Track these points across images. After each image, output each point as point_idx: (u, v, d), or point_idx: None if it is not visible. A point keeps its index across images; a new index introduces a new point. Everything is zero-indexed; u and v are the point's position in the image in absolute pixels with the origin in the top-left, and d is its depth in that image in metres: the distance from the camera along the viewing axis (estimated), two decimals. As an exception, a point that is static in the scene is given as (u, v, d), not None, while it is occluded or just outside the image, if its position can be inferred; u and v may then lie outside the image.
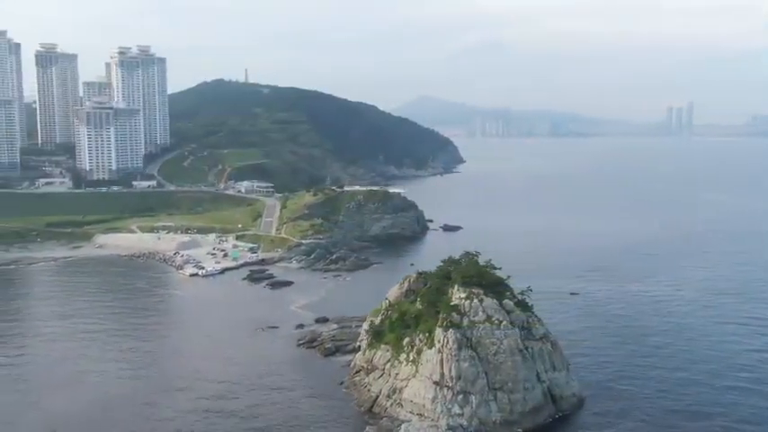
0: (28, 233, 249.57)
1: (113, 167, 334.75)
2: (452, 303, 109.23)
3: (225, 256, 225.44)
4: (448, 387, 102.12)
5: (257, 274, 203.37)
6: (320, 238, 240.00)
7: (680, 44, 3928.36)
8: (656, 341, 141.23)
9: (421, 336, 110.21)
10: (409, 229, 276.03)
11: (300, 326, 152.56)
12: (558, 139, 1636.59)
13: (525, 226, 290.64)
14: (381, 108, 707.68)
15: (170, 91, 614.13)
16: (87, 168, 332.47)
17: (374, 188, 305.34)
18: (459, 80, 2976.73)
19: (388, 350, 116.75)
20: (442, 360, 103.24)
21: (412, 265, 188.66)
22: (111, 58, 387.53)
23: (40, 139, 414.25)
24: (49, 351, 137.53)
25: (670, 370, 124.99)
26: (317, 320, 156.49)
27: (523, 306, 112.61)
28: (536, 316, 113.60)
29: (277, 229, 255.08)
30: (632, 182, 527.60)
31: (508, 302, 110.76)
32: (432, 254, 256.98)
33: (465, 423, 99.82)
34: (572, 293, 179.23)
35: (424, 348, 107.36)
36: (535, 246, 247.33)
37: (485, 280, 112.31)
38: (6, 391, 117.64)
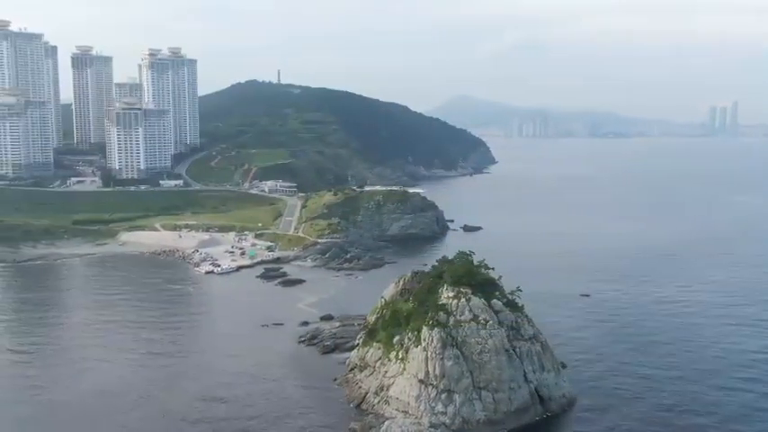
0: (56, 230, 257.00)
1: (142, 167, 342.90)
2: (440, 303, 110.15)
3: (242, 254, 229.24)
4: (432, 385, 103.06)
5: (271, 272, 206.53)
6: (336, 238, 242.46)
7: (723, 42, 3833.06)
8: (658, 344, 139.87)
9: (410, 334, 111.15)
10: (428, 230, 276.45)
11: (305, 323, 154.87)
12: (597, 140, 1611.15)
13: (548, 227, 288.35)
14: (418, 108, 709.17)
15: (206, 92, 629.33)
16: (117, 168, 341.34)
17: (394, 188, 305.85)
18: (497, 80, 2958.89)
19: (379, 348, 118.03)
20: (427, 358, 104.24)
21: (425, 265, 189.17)
22: (142, 59, 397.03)
23: (75, 139, 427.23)
24: (62, 338, 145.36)
25: (668, 373, 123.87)
26: (322, 318, 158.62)
27: (513, 306, 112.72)
28: (526, 316, 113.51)
29: (295, 228, 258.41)
30: (667, 183, 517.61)
31: (497, 302, 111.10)
32: (448, 254, 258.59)
33: (448, 421, 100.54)
34: (582, 295, 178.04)
35: (412, 347, 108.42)
36: (554, 247, 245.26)
37: (474, 280, 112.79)
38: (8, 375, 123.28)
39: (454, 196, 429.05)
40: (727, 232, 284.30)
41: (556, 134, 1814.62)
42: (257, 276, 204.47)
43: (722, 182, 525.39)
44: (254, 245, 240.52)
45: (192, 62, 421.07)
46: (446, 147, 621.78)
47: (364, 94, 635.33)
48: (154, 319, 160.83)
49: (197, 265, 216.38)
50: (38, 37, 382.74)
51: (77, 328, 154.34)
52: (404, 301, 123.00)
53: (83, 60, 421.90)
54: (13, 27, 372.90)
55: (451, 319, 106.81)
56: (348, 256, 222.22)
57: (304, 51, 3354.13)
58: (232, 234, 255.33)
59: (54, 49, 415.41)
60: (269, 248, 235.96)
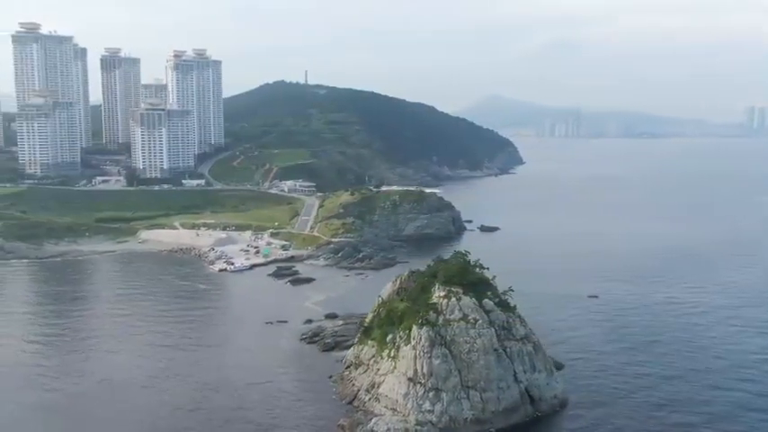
0: (78, 228, 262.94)
1: (165, 166, 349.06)
2: (431, 302, 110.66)
3: (257, 252, 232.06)
4: (420, 384, 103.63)
5: (283, 271, 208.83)
6: (350, 237, 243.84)
7: (761, 41, 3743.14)
8: (661, 346, 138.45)
9: (402, 333, 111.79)
10: (443, 230, 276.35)
11: (309, 321, 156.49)
12: (630, 140, 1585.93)
13: (568, 228, 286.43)
14: (450, 109, 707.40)
15: (235, 92, 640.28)
16: (141, 167, 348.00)
17: (410, 188, 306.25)
18: (529, 80, 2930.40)
19: (373, 346, 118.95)
20: (415, 357, 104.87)
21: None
22: (167, 61, 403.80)
23: (104, 139, 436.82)
24: (74, 330, 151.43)
25: (666, 376, 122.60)
26: (327, 316, 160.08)
27: (504, 306, 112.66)
28: (518, 316, 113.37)
29: (311, 228, 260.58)
30: (698, 184, 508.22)
31: (488, 302, 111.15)
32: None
33: (435, 419, 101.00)
34: (590, 296, 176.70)
35: (402, 345, 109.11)
36: (571, 248, 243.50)
37: (466, 279, 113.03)
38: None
39: (476, 196, 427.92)
40: (753, 233, 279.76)
41: (588, 134, 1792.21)
42: (269, 275, 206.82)
43: (755, 183, 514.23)
44: (269, 244, 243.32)
45: (217, 63, 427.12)
46: (472, 147, 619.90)
47: (395, 95, 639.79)
48: (164, 313, 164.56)
49: (212, 263, 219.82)
50: (67, 39, 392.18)
51: (89, 321, 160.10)
52: (399, 300, 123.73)
53: (111, 62, 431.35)
54: (43, 30, 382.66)
55: (441, 318, 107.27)
56: (360, 255, 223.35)
57: (335, 52, 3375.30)
58: (248, 233, 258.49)
59: (84, 51, 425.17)
60: (283, 247, 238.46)
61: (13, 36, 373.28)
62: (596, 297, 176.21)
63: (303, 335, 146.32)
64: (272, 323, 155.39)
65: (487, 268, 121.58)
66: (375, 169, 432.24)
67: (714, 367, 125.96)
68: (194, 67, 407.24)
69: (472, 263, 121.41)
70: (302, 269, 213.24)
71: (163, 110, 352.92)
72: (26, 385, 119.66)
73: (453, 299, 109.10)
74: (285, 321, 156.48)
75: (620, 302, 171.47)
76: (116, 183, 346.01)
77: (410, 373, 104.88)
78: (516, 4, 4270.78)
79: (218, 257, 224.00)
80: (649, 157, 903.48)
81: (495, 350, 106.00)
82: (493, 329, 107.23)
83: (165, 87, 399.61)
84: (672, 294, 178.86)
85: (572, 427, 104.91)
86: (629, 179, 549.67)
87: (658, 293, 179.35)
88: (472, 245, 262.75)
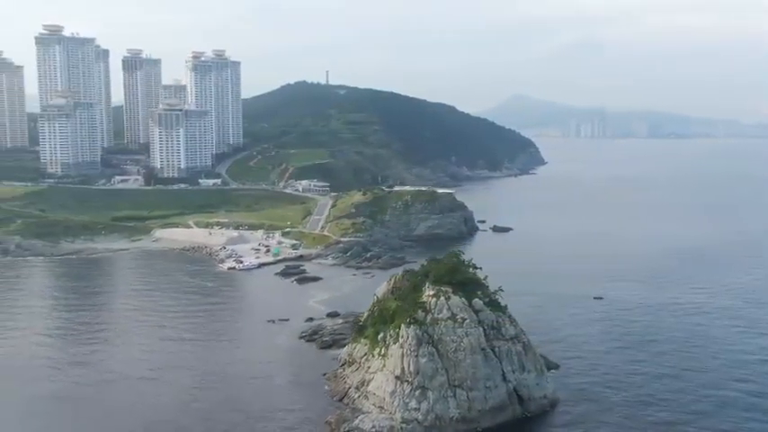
0: (94, 226, 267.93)
1: (182, 166, 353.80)
2: (421, 301, 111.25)
3: (267, 251, 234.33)
4: (407, 382, 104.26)
5: (290, 270, 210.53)
6: (359, 237, 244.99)
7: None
8: (658, 346, 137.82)
9: (392, 331, 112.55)
10: (455, 230, 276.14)
11: (310, 319, 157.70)
12: (658, 141, 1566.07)
13: (583, 229, 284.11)
14: (474, 109, 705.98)
15: (258, 93, 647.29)
16: (158, 167, 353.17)
17: (422, 188, 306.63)
18: (554, 80, 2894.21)
19: (366, 344, 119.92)
20: (402, 355, 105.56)
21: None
22: (186, 62, 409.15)
23: (125, 138, 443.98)
24: (78, 324, 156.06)
25: (659, 375, 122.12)
26: (329, 315, 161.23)
27: (494, 306, 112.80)
28: (508, 316, 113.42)
29: (322, 227, 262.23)
30: (723, 185, 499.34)
31: (478, 302, 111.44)
32: (471, 255, 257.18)
33: (420, 417, 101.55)
34: (596, 297, 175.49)
35: (391, 343, 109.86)
36: (583, 249, 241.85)
37: (456, 279, 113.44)
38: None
39: (493, 197, 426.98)
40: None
41: (614, 135, 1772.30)
42: (276, 273, 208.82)
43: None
44: (279, 243, 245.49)
45: (236, 64, 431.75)
46: (492, 147, 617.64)
47: (417, 96, 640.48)
48: (168, 309, 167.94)
49: (221, 261, 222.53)
50: (89, 41, 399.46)
51: (96, 315, 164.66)
52: (392, 300, 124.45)
53: (133, 63, 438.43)
54: (66, 32, 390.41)
55: (429, 317, 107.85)
56: (368, 255, 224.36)
57: (358, 52, 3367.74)
58: (260, 232, 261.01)
59: (106, 52, 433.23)
60: (293, 246, 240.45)
61: (36, 38, 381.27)
62: (601, 298, 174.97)
63: (303, 333, 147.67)
64: (273, 321, 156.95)
65: (480, 268, 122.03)
66: (392, 169, 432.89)
67: (709, 367, 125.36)
68: (213, 67, 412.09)
69: (465, 263, 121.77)
70: (310, 268, 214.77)
71: (180, 110, 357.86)
72: (36, 376, 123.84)
73: (442, 298, 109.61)
74: (287, 319, 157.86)
75: (624, 303, 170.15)
76: (134, 182, 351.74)
77: (398, 372, 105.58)
78: (538, 4, 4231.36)
79: (229, 256, 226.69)
80: (676, 158, 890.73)
81: (483, 349, 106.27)
82: (481, 329, 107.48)
83: (184, 88, 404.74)
84: (677, 295, 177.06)
85: (560, 427, 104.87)
86: (652, 180, 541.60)
87: (664, 295, 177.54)
88: (482, 245, 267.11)
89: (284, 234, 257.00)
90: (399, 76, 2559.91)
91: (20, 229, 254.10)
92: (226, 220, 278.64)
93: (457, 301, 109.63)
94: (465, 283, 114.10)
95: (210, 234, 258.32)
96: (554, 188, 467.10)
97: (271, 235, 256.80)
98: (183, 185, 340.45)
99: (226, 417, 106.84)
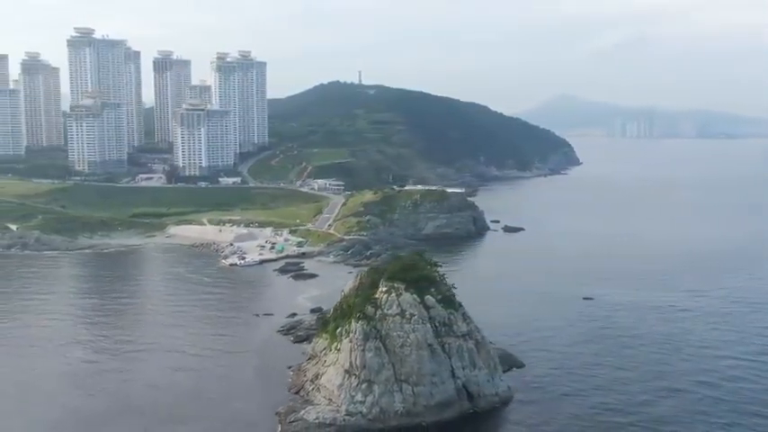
0: (112, 222, 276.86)
1: (203, 164, 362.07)
2: (374, 297, 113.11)
3: (272, 248, 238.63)
4: (354, 375, 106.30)
5: (290, 267, 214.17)
6: (363, 235, 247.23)
7: None
8: (632, 349, 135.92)
9: (347, 326, 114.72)
10: (463, 229, 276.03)
11: (293, 314, 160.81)
12: (706, 141, 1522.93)
13: (600, 230, 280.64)
14: (516, 109, 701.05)
15: (292, 92, 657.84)
16: (181, 165, 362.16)
17: (432, 188, 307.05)
18: (600, 79, 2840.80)
19: (326, 339, 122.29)
20: (350, 349, 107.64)
21: (438, 264, 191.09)
22: (211, 63, 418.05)
23: (156, 138, 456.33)
24: (66, 316, 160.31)
25: (623, 378, 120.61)
26: (312, 310, 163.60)
27: (447, 303, 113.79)
28: (461, 313, 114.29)
29: (329, 226, 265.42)
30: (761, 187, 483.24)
31: (430, 299, 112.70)
32: (476, 253, 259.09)
33: (365, 410, 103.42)
34: (585, 298, 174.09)
35: (344, 338, 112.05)
36: (592, 250, 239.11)
37: (410, 276, 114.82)
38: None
39: (516, 197, 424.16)
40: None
41: (661, 135, 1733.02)
42: (275, 270, 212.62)
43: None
44: (286, 240, 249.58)
45: (261, 64, 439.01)
46: (523, 147, 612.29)
47: (457, 96, 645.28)
48: (159, 302, 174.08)
49: (225, 257, 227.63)
50: (119, 43, 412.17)
51: (84, 303, 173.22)
52: (355, 296, 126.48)
53: (163, 64, 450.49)
54: (97, 35, 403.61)
55: (378, 313, 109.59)
56: (368, 253, 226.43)
57: (398, 51, 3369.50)
58: (269, 229, 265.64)
59: (137, 53, 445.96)
60: (299, 244, 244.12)
61: (68, 41, 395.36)
62: (591, 299, 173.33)
63: (282, 327, 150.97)
64: (258, 315, 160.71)
65: (440, 265, 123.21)
66: (414, 169, 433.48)
67: (678, 370, 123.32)
68: (237, 68, 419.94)
69: (426, 261, 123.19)
70: (310, 265, 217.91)
71: (202, 110, 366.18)
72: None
73: (393, 294, 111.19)
74: (271, 314, 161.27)
75: (613, 305, 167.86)
76: (158, 180, 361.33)
77: (347, 366, 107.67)
78: (583, 2, 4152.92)
79: (233, 252, 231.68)
80: (722, 159, 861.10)
81: (430, 345, 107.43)
82: (428, 325, 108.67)
83: (208, 89, 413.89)
84: (669, 298, 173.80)
85: (510, 424, 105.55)
86: (691, 181, 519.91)
87: (657, 297, 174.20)
88: (490, 244, 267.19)
89: (292, 232, 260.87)
90: (440, 77, 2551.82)
91: (40, 225, 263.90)
92: (238, 218, 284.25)
93: (408, 297, 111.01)
94: (419, 280, 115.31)
95: (220, 231, 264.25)
96: (582, 189, 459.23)
97: (279, 232, 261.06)
98: (203, 184, 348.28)
99: (185, 403, 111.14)
